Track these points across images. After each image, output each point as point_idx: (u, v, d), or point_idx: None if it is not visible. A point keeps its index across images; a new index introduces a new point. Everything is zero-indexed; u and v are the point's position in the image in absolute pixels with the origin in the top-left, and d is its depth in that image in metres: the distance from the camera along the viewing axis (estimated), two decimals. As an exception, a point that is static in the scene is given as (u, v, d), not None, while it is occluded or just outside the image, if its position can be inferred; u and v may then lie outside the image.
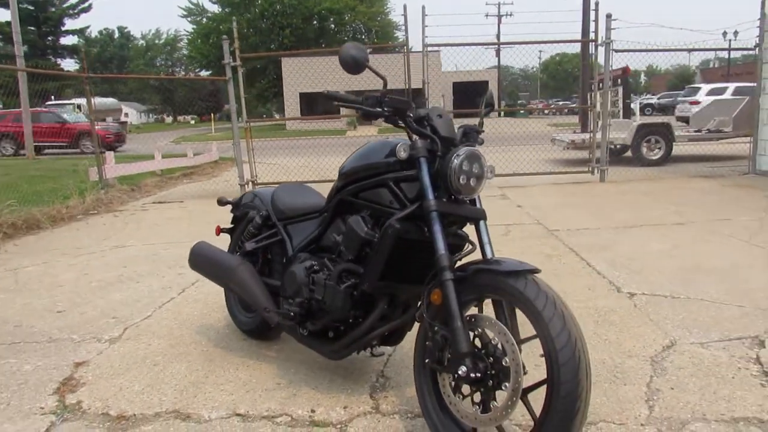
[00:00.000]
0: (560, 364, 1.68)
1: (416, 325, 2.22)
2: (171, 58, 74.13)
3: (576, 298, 3.59)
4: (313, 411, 2.35)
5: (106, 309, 3.70)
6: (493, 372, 1.84)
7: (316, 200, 2.80)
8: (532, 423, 1.84)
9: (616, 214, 6.14)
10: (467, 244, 2.20)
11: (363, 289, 2.20)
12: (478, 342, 1.92)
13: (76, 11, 54.73)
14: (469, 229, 2.23)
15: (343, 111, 34.27)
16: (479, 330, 1.91)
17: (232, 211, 3.22)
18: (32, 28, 51.80)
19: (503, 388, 1.81)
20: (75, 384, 2.68)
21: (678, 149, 10.94)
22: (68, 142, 19.34)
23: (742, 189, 7.68)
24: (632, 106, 15.51)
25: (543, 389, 1.78)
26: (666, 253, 4.56)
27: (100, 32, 75.99)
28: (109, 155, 9.35)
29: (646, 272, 4.06)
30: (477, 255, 2.14)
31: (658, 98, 39.53)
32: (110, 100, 36.67)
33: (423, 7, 8.32)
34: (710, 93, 16.84)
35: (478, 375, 1.84)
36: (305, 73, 31.39)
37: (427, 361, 2.02)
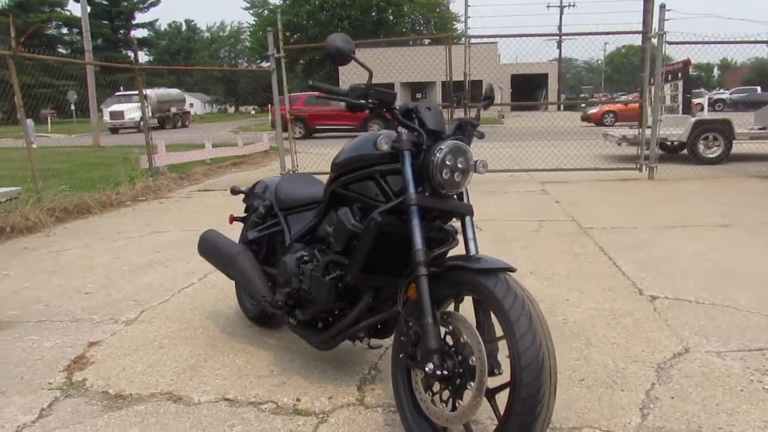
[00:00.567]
0: (522, 365, 1.63)
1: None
2: (234, 50, 75.91)
3: (592, 299, 3.48)
4: (298, 400, 2.38)
5: (130, 292, 3.85)
6: (460, 370, 1.81)
7: (317, 191, 2.81)
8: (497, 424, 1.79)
9: (657, 214, 5.89)
10: (451, 238, 2.16)
11: (347, 281, 2.21)
12: (450, 339, 1.89)
13: (146, 5, 56.96)
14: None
15: (399, 103, 34.34)
16: (450, 327, 1.88)
17: (244, 200, 3.28)
18: (106, 22, 54.29)
19: (468, 387, 1.77)
20: (84, 362, 2.81)
21: (740, 148, 10.39)
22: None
23: (803, 190, 7.22)
24: (699, 101, 14.81)
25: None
26: (701, 255, 4.35)
27: (169, 25, 78.69)
28: (161, 144, 9.69)
29: (674, 275, 3.89)
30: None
31: (731, 93, 37.52)
32: (174, 91, 38.01)
33: (466, -1, 8.19)
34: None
35: (446, 373, 1.81)
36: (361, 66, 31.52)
37: (401, 356, 2.01)
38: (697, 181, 8.06)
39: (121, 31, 56.47)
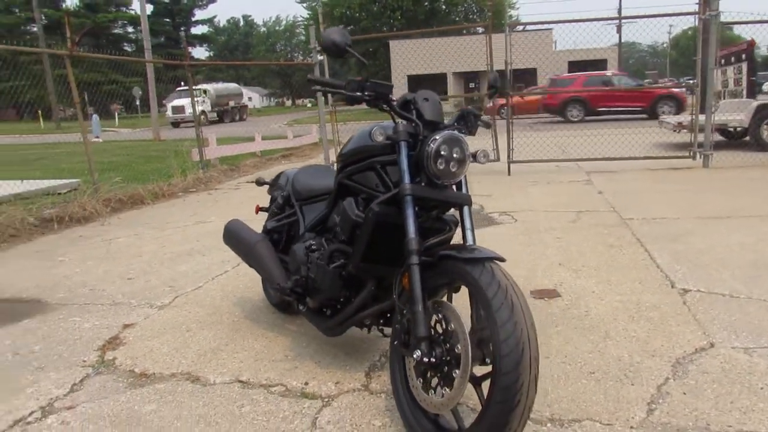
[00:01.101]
0: (502, 354, 1.64)
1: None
2: (290, 44, 77.03)
3: (619, 291, 3.40)
4: (306, 383, 2.46)
5: (168, 278, 4.05)
6: (447, 358, 1.83)
7: (331, 182, 2.87)
8: (484, 412, 1.81)
9: (706, 203, 5.66)
10: (448, 228, 2.17)
11: (349, 270, 2.26)
12: (440, 328, 1.91)
13: (204, 2, 58.61)
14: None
15: (450, 92, 34.08)
16: (440, 316, 1.90)
17: (269, 191, 3.38)
18: (167, 20, 56.21)
19: (454, 374, 1.80)
20: (117, 343, 2.99)
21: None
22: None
23: None
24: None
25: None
26: (746, 247, 4.16)
27: (228, 21, 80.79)
28: (212, 137, 10.01)
29: (712, 267, 3.74)
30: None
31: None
32: (232, 85, 39.12)
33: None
34: None
35: (433, 360, 1.84)
36: (413, 56, 31.46)
37: (396, 343, 2.05)
38: (757, 169, 7.66)
39: (182, 29, 58.27)
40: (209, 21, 63.11)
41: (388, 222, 2.11)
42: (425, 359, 1.83)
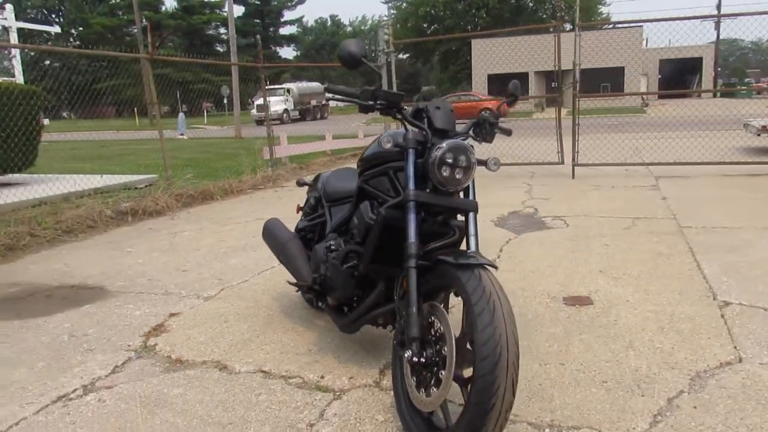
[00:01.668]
0: (480, 358, 1.70)
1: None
2: (375, 43, 77.93)
3: (655, 302, 3.32)
4: (322, 377, 2.59)
5: (218, 272, 4.31)
6: (436, 359, 1.91)
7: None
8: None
9: (777, 213, 5.34)
10: (452, 233, 2.23)
11: (360, 271, 2.37)
12: (433, 330, 1.98)
13: (293, 3, 60.39)
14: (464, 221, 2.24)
15: (532, 92, 33.36)
16: (432, 318, 1.97)
17: (308, 192, 3.55)
18: (257, 21, 58.32)
19: (441, 375, 1.86)
20: (161, 330, 3.24)
21: None
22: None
23: None
24: None
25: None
26: (808, 261, 3.92)
27: (316, 21, 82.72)
28: (283, 136, 10.39)
29: (761, 281, 3.57)
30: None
31: None
32: (315, 84, 40.14)
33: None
34: None
35: (423, 360, 1.91)
36: (494, 55, 31.07)
37: (395, 342, 2.14)
38: None
39: (271, 29, 60.35)
40: (298, 21, 65.02)
41: (395, 226, 2.19)
42: (414, 359, 1.91)
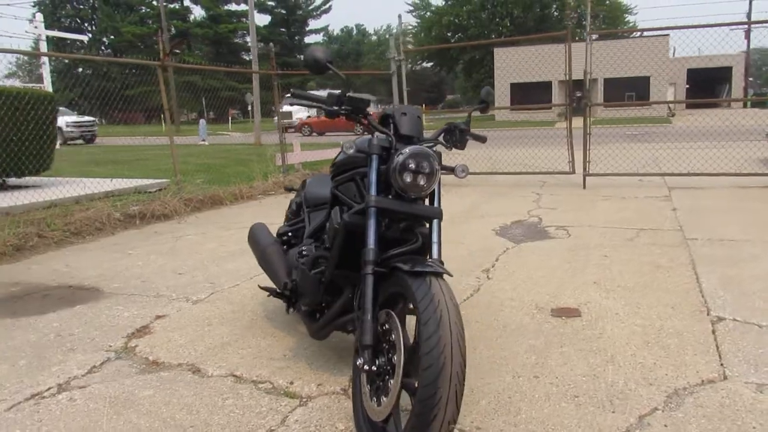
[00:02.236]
0: (423, 367, 1.67)
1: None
2: (400, 52, 78.17)
3: (645, 315, 3.23)
4: (291, 383, 2.58)
5: (212, 275, 4.33)
6: (387, 368, 1.87)
7: None
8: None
9: (789, 227, 5.17)
10: (415, 239, 2.19)
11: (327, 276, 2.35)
12: (388, 338, 1.95)
13: (318, 12, 61.01)
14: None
15: (555, 101, 33.01)
16: (387, 327, 1.94)
17: (294, 197, 3.54)
18: (283, 29, 59.06)
19: (389, 384, 1.83)
20: (144, 332, 3.26)
21: None
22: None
23: None
24: None
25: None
26: (813, 276, 3.78)
27: (341, 30, 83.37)
28: (296, 143, 10.45)
29: (759, 296, 3.45)
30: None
31: None
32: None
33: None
34: None
35: (374, 369, 1.88)
36: (517, 64, 30.89)
37: (354, 350, 2.11)
38: None
39: (296, 38, 61.00)
40: (323, 30, 65.73)
41: (358, 232, 2.17)
42: (366, 367, 1.88)
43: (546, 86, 33.75)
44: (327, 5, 61.05)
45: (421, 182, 2.08)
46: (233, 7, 55.18)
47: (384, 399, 1.86)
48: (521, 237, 5.18)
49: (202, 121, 22.08)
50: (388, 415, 1.89)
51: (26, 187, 7.95)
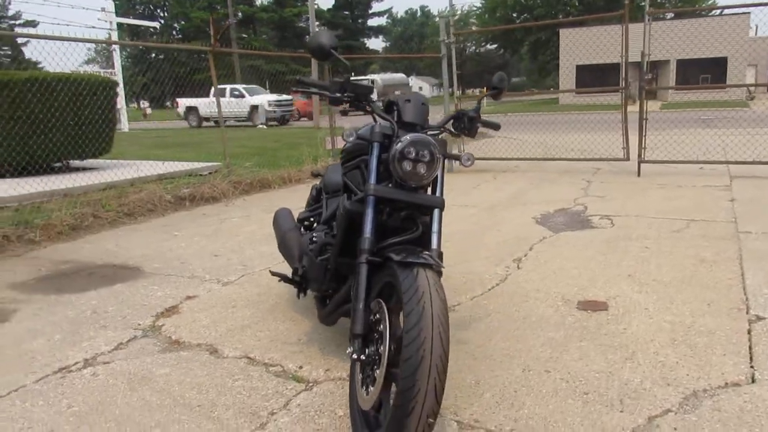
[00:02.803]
0: (403, 359, 1.65)
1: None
2: (449, 34, 77.07)
3: (676, 312, 3.07)
4: (300, 367, 2.61)
5: (246, 258, 4.43)
6: (375, 357, 1.86)
7: None
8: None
9: None
10: (415, 228, 2.16)
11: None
12: (378, 328, 1.94)
13: (381, -6, 60.77)
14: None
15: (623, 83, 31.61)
16: (377, 316, 1.93)
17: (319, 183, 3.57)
18: (346, 12, 59.24)
19: (375, 374, 1.82)
20: (172, 312, 3.38)
21: None
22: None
23: None
24: None
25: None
26: None
27: (406, 12, 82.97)
28: (346, 126, 10.49)
29: (809, 295, 3.22)
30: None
31: None
32: (399, 75, 40.29)
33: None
34: None
35: (362, 357, 1.88)
36: (583, 45, 29.77)
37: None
38: None
39: (360, 21, 61.09)
40: (387, 12, 65.64)
41: (359, 220, 2.16)
42: (355, 356, 1.88)
43: (614, 68, 32.40)
44: (390, -13, 60.78)
45: (421, 171, 2.04)
46: (298, -9, 55.87)
47: (371, 388, 1.86)
48: (561, 226, 5.02)
49: (261, 106, 22.52)
50: (379, 404, 1.89)
51: (87, 169, 8.36)
